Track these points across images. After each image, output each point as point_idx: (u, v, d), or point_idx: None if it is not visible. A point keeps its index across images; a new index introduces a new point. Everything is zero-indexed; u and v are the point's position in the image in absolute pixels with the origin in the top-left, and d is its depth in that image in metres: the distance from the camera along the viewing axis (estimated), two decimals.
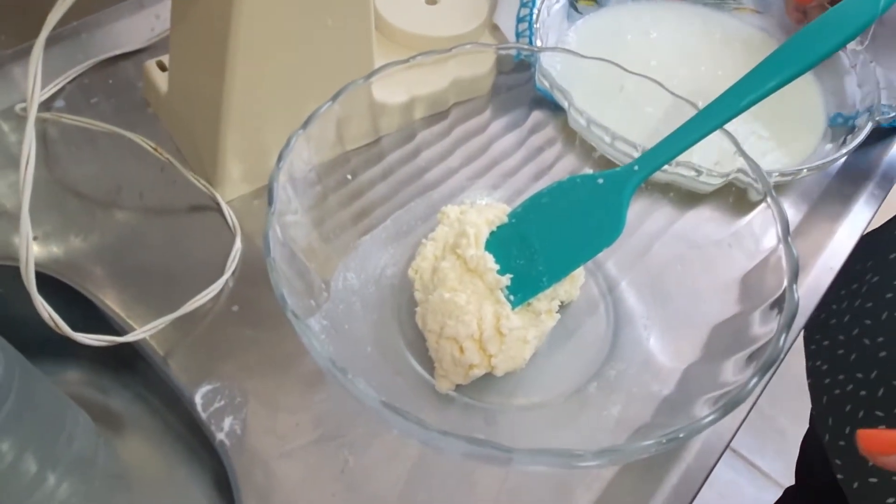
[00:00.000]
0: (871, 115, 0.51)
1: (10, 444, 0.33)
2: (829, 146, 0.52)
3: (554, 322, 0.39)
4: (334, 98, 0.36)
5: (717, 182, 0.42)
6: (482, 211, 0.41)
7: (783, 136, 0.54)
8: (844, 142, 0.50)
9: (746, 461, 1.10)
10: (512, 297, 0.38)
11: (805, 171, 0.48)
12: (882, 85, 0.53)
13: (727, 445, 0.40)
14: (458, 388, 0.38)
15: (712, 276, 0.41)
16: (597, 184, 0.38)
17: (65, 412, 0.37)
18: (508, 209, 0.41)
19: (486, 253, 0.38)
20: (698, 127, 0.36)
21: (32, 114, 0.30)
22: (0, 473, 0.33)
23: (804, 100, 0.57)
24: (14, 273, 0.41)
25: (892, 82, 0.54)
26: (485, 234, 0.39)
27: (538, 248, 0.38)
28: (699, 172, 0.43)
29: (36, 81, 0.30)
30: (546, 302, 0.39)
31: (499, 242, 0.39)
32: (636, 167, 0.37)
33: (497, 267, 0.37)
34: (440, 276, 0.37)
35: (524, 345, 0.36)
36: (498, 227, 0.40)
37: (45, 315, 0.34)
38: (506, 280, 0.37)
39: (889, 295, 0.52)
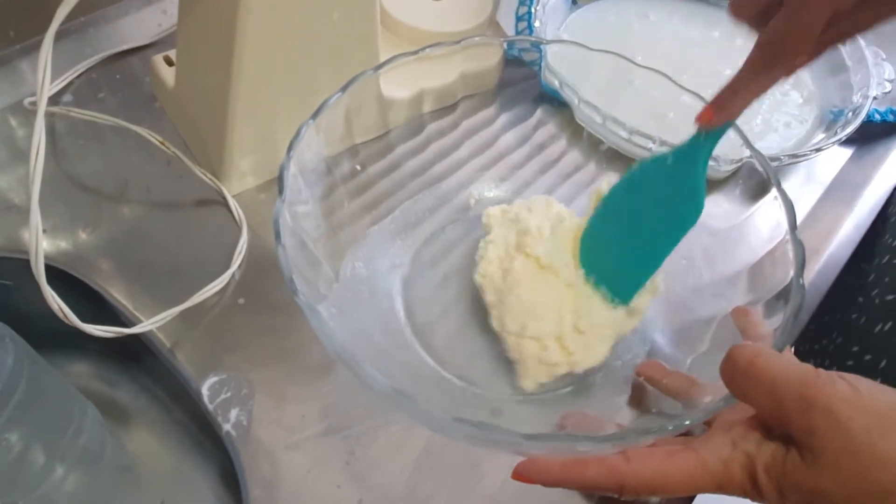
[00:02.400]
0: (864, 108, 0.51)
1: (19, 436, 0.33)
2: (821, 136, 0.52)
3: (637, 321, 0.39)
4: (343, 89, 0.37)
5: (731, 167, 0.42)
6: (530, 207, 0.41)
7: (777, 126, 0.54)
8: (835, 134, 0.50)
9: None
10: (616, 300, 0.38)
11: (786, 158, 0.48)
12: (881, 79, 0.54)
13: None
14: (464, 377, 0.38)
15: (719, 267, 0.41)
16: (666, 166, 0.36)
17: (73, 404, 0.37)
18: (553, 201, 0.41)
19: (556, 246, 0.38)
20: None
21: (42, 107, 0.31)
22: (8, 464, 0.33)
23: (801, 92, 0.57)
24: (23, 265, 0.41)
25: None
26: (547, 230, 0.39)
27: (627, 246, 0.38)
28: (716, 160, 0.43)
29: (45, 75, 0.30)
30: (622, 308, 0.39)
31: (590, 245, 0.39)
32: (703, 136, 0.34)
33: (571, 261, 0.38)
34: (514, 277, 0.37)
35: (602, 342, 0.37)
36: (585, 230, 0.39)
37: (54, 306, 0.34)
38: (579, 273, 0.38)
39: None
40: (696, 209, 0.35)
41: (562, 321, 0.36)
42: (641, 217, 0.37)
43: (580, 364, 0.37)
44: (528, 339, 0.36)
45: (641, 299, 0.39)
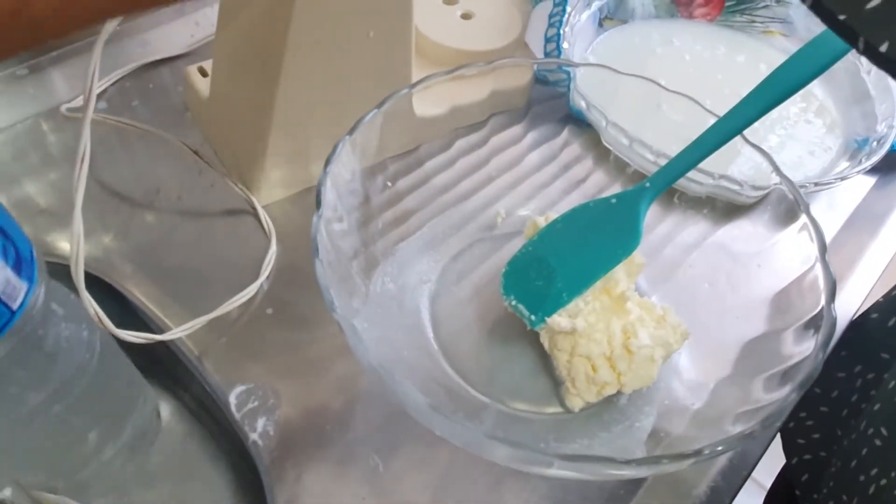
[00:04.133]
0: (889, 138, 0.52)
1: (82, 418, 0.32)
2: (845, 164, 0.53)
3: (680, 345, 0.39)
4: (380, 106, 0.37)
5: (758, 194, 0.43)
6: None
7: (801, 153, 0.54)
8: (860, 163, 0.51)
9: (757, 484, 1.09)
10: (533, 317, 0.38)
11: (810, 185, 0.48)
12: None
13: (754, 466, 0.40)
14: (489, 394, 0.38)
15: (743, 293, 0.41)
16: (610, 204, 0.40)
17: (136, 390, 0.36)
18: None
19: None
20: (704, 145, 0.38)
21: (90, 113, 0.31)
22: (66, 444, 0.32)
23: (825, 120, 0.57)
24: (50, 269, 0.42)
25: None
26: None
27: (556, 267, 0.39)
28: (741, 185, 0.43)
29: (94, 81, 0.30)
30: (671, 330, 0.39)
31: (517, 268, 0.40)
32: (648, 184, 0.39)
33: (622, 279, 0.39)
34: None
35: (651, 363, 0.37)
36: (516, 255, 0.41)
37: (91, 312, 0.35)
38: (630, 290, 0.39)
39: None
40: (634, 242, 0.39)
41: (612, 340, 0.37)
42: (578, 246, 0.40)
43: (629, 385, 0.37)
44: (578, 357, 0.37)
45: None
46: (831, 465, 0.43)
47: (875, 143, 0.52)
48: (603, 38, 0.60)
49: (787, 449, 0.49)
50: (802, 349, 0.34)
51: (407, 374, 0.32)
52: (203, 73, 0.48)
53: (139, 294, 0.41)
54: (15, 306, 0.24)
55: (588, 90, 0.47)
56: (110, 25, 0.32)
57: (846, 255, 0.50)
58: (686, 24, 0.63)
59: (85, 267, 0.41)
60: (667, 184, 0.39)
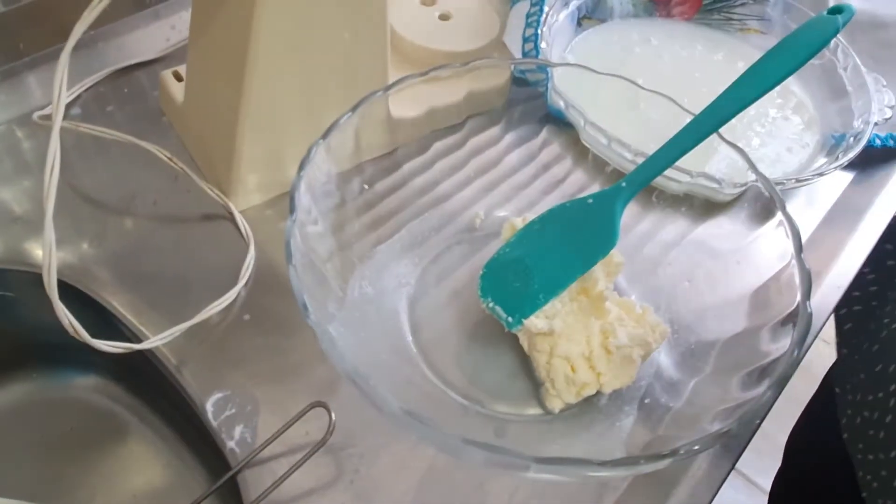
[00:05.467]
0: (865, 134, 0.52)
1: None
2: (822, 161, 0.53)
3: (659, 344, 0.39)
4: (354, 109, 0.37)
5: (736, 191, 0.43)
6: None
7: (779, 150, 0.55)
8: (837, 159, 0.51)
9: (746, 478, 1.10)
10: (510, 319, 0.38)
11: (788, 182, 0.49)
12: (882, 106, 0.54)
13: (735, 462, 0.40)
14: (470, 396, 0.38)
15: (721, 290, 0.41)
16: (587, 204, 0.40)
17: None
18: None
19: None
20: (680, 143, 0.39)
21: (58, 121, 0.31)
22: None
23: (802, 117, 0.58)
24: (26, 278, 0.41)
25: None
26: None
27: (533, 268, 0.39)
28: (719, 183, 0.43)
29: (62, 88, 0.30)
30: (650, 329, 0.39)
31: (494, 270, 0.40)
32: (624, 184, 0.39)
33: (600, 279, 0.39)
34: None
35: (631, 363, 0.37)
36: (493, 257, 0.41)
37: (65, 321, 0.34)
38: (609, 290, 0.39)
39: None
40: (611, 242, 0.39)
41: (591, 340, 0.37)
42: (555, 247, 0.40)
43: (609, 384, 0.37)
44: (557, 357, 0.36)
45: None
46: (887, 303, 0.45)
47: (852, 139, 0.52)
48: (581, 38, 0.60)
49: (839, 302, 0.49)
50: (780, 346, 0.34)
51: (385, 379, 0.32)
52: (178, 77, 0.48)
53: (115, 302, 0.41)
54: None
55: (566, 90, 0.47)
56: (77, 32, 0.31)
57: (825, 250, 0.50)
58: (664, 22, 0.63)
59: (59, 275, 0.41)
60: (643, 183, 0.39)
